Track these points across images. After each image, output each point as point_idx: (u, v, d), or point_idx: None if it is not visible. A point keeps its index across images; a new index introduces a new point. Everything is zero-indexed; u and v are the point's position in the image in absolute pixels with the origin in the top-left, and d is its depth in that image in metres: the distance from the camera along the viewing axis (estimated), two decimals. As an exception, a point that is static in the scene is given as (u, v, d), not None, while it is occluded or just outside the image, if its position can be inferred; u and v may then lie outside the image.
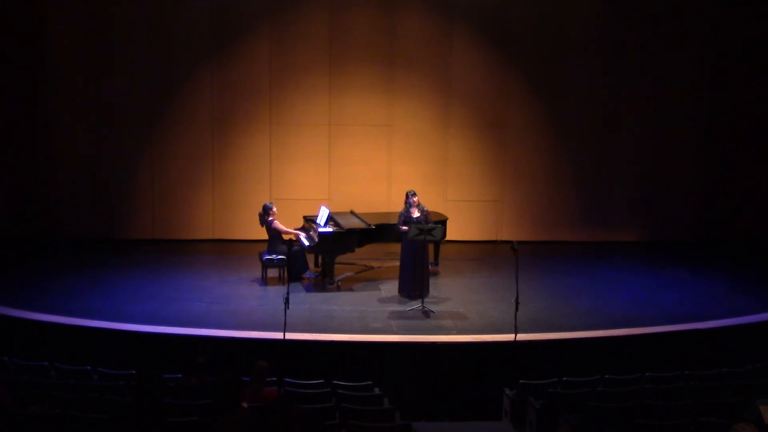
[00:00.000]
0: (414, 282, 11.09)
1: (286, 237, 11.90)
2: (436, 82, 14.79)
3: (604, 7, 14.82)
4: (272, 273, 12.06)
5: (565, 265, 13.65)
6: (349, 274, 12.46)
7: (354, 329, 10.08)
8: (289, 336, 9.47)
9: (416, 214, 11.16)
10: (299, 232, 12.21)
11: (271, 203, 12.08)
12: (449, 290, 11.88)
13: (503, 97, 14.86)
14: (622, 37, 14.84)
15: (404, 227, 11.07)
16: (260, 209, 12.06)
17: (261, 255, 12.06)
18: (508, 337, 9.66)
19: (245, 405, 6.58)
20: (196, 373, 7.67)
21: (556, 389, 8.13)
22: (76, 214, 14.54)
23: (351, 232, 11.80)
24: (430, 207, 11.62)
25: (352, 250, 11.83)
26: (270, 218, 11.86)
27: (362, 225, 12.04)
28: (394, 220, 11.67)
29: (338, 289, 11.75)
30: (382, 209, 13.75)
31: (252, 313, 10.74)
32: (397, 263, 11.53)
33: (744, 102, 15.02)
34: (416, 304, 10.80)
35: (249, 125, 14.67)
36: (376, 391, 8.23)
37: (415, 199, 11.22)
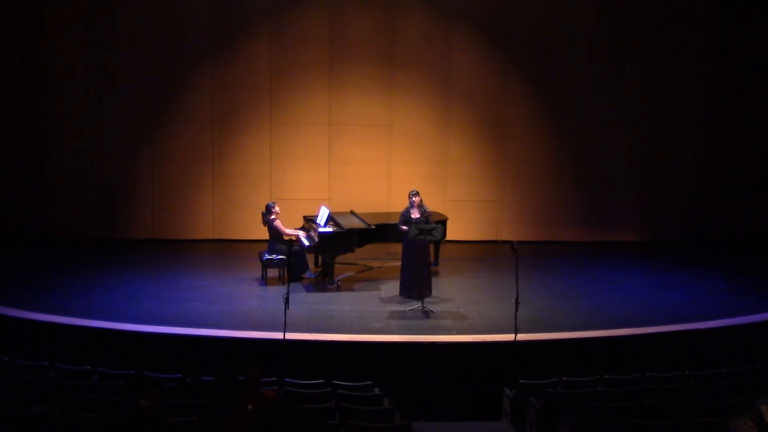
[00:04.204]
0: (414, 282, 11.06)
1: (285, 237, 11.89)
2: (436, 82, 14.79)
3: (605, 7, 14.81)
4: (272, 273, 12.06)
5: (565, 265, 13.64)
6: (349, 274, 12.46)
7: (354, 329, 10.08)
8: (289, 336, 9.47)
9: (416, 214, 11.14)
10: (299, 233, 12.20)
11: (273, 202, 12.07)
12: (449, 290, 11.87)
13: (503, 97, 14.85)
14: (623, 37, 14.83)
15: (404, 227, 11.05)
16: (261, 209, 12.06)
17: (261, 255, 12.06)
18: (508, 337, 9.66)
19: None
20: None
21: (556, 389, 8.12)
22: (76, 214, 14.54)
23: (351, 232, 11.79)
24: (430, 207, 11.58)
25: (352, 250, 11.82)
26: (272, 217, 11.87)
27: (362, 225, 12.04)
28: (394, 220, 11.66)
29: (338, 289, 11.74)
30: (382, 209, 13.75)
31: (252, 313, 10.73)
32: (398, 263, 11.52)
33: (744, 102, 15.01)
34: (416, 304, 10.79)
35: (249, 125, 14.67)
36: (376, 391, 8.23)
37: (416, 199, 11.17)
